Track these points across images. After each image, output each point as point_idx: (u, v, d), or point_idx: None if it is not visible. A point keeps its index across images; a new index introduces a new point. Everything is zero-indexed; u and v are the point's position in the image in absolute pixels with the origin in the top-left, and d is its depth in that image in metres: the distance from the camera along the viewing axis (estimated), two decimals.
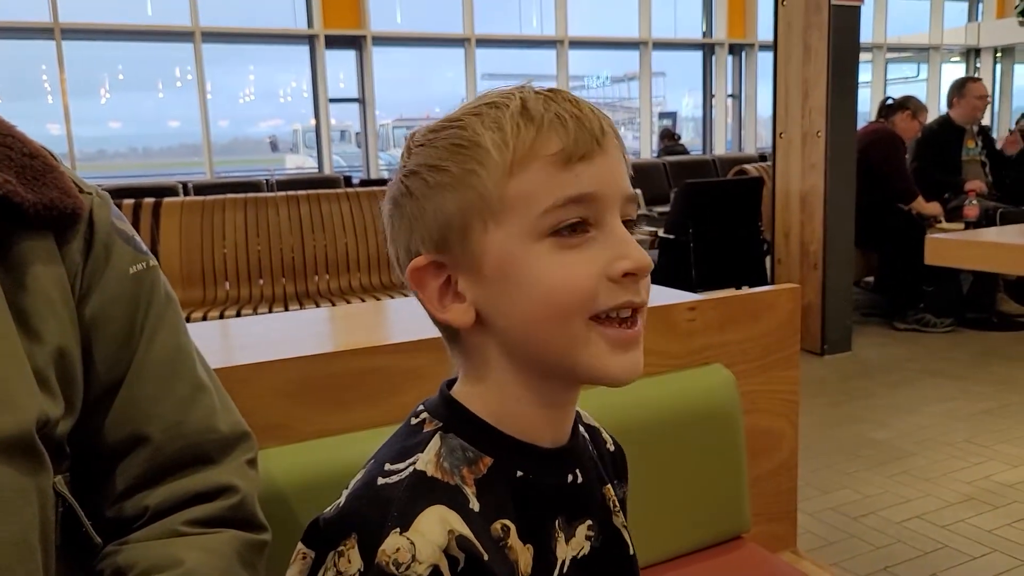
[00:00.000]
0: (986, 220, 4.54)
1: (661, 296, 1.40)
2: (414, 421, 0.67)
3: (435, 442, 0.64)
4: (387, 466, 0.63)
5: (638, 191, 7.25)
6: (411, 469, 0.62)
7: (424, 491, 0.60)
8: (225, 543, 0.75)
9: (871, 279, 5.19)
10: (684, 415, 1.26)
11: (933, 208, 4.70)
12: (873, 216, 4.53)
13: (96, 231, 0.75)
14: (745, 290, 1.41)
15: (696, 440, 1.26)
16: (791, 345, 1.43)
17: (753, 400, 1.39)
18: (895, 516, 2.49)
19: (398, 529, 0.57)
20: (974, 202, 4.59)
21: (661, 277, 3.41)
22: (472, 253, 0.63)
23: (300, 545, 0.64)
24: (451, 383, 0.69)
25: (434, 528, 0.58)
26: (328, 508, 0.64)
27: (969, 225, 4.44)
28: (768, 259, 4.67)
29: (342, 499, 0.64)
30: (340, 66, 9.99)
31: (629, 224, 0.64)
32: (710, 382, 1.30)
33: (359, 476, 0.65)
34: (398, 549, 0.56)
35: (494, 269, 0.62)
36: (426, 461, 0.62)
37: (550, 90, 0.64)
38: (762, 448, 1.42)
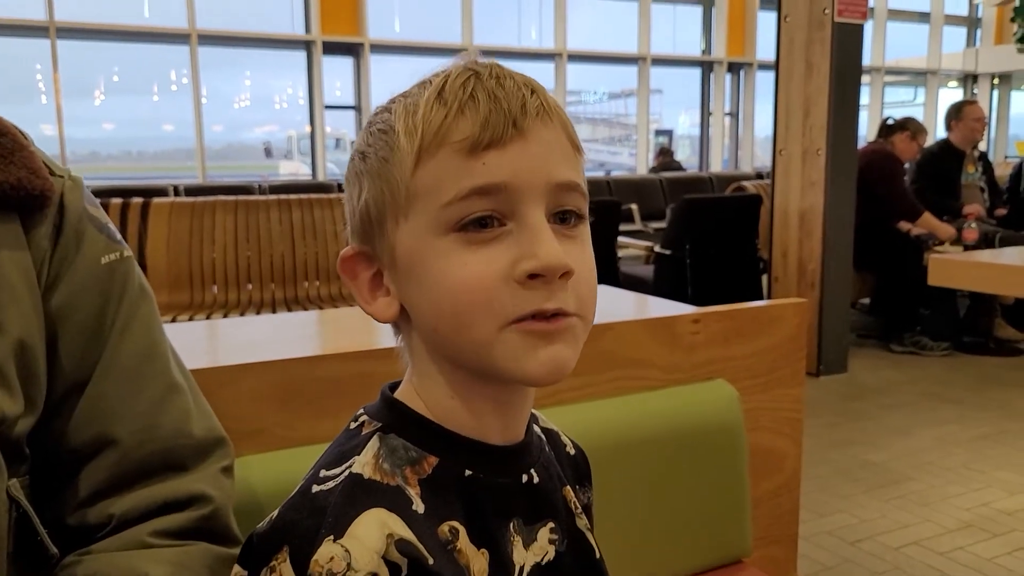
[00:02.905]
0: (985, 244, 4.52)
1: (664, 308, 1.35)
2: (352, 425, 0.63)
3: (373, 443, 0.59)
4: (322, 472, 0.58)
5: (632, 206, 7.26)
6: (347, 472, 0.57)
7: (361, 494, 0.55)
8: (195, 556, 0.69)
9: (867, 300, 5.16)
10: (686, 432, 1.20)
11: (946, 230, 4.65)
12: (870, 237, 4.50)
13: (66, 216, 0.70)
14: (750, 303, 1.36)
15: (698, 458, 1.21)
16: (796, 362, 1.38)
17: (755, 418, 1.34)
18: (893, 542, 2.44)
19: (331, 536, 0.53)
20: (973, 225, 4.57)
21: (656, 293, 3.36)
22: (388, 246, 0.59)
23: (235, 567, 0.59)
24: (394, 386, 0.65)
25: (371, 532, 0.53)
26: (262, 522, 0.59)
27: (968, 248, 4.42)
28: (764, 277, 4.63)
29: (275, 512, 0.59)
30: (337, 73, 9.97)
31: (569, 215, 0.58)
32: (713, 398, 1.25)
33: (296, 488, 0.60)
34: (332, 558, 0.52)
35: (405, 264, 0.58)
36: (363, 463, 0.57)
37: (484, 64, 0.58)
38: (763, 468, 1.37)
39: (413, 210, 0.57)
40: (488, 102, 0.55)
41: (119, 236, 0.75)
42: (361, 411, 0.63)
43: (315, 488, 0.57)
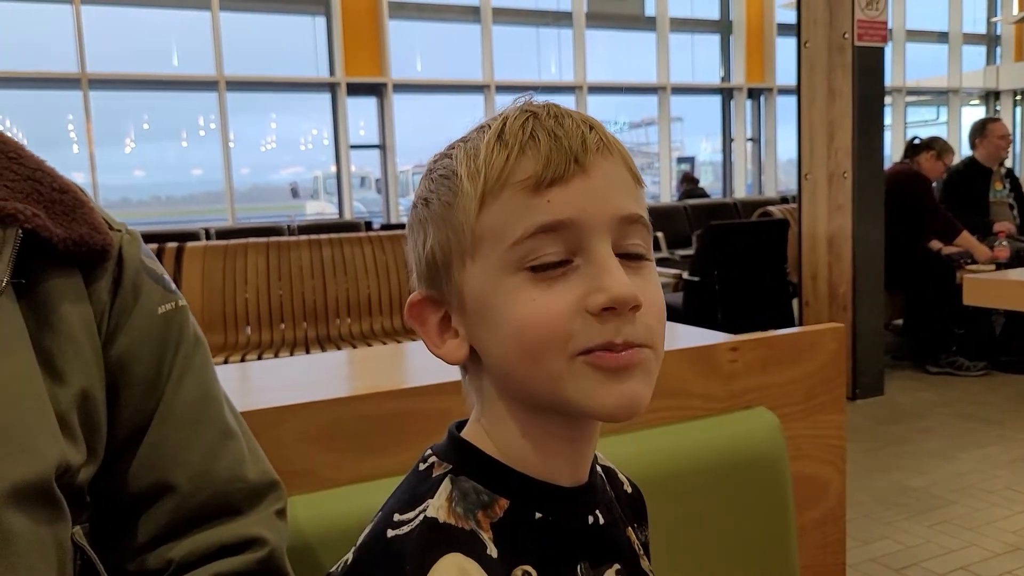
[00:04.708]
0: (1017, 261, 4.46)
1: (701, 337, 1.35)
2: (422, 466, 0.62)
3: (446, 486, 0.59)
4: (396, 516, 0.58)
5: (659, 234, 7.24)
6: (422, 517, 0.57)
7: (437, 539, 0.55)
8: None
9: (900, 322, 5.10)
10: (727, 461, 1.20)
11: (984, 251, 4.60)
12: (900, 258, 4.46)
13: (125, 269, 0.72)
14: (787, 330, 1.35)
15: (741, 487, 1.20)
16: (836, 387, 1.37)
17: (797, 446, 1.33)
18: (939, 568, 2.39)
19: None
20: (1004, 243, 4.52)
21: (686, 320, 3.34)
22: (456, 289, 0.59)
23: None
24: (460, 425, 0.65)
25: None
26: (336, 566, 0.60)
27: (1000, 266, 4.37)
28: (795, 301, 4.61)
29: (350, 556, 0.59)
30: (361, 113, 10.12)
31: (635, 247, 0.58)
32: (754, 426, 1.25)
33: (367, 529, 0.60)
34: None
35: (474, 305, 0.59)
36: (437, 507, 0.57)
37: (541, 105, 0.59)
38: (808, 497, 1.35)
39: (480, 252, 0.57)
40: (549, 140, 0.56)
41: (174, 286, 0.77)
42: (429, 451, 0.63)
43: (390, 532, 0.57)
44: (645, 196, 0.62)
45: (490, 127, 0.59)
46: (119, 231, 0.74)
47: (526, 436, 0.60)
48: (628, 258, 0.58)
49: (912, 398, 4.22)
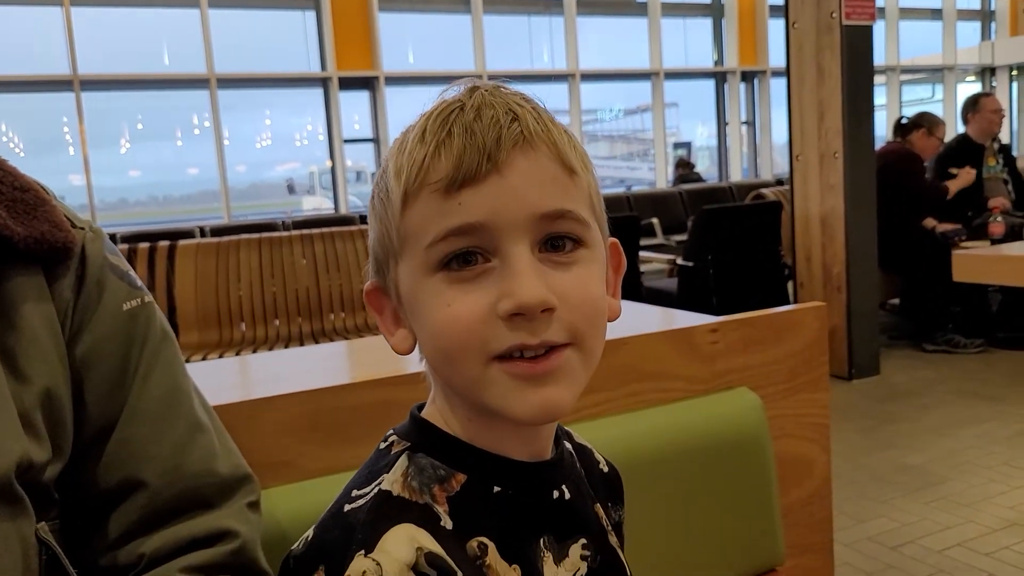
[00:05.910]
0: (1012, 236, 4.45)
1: (681, 318, 1.36)
2: (383, 446, 0.64)
3: (402, 462, 0.60)
4: (354, 492, 0.60)
5: (653, 220, 7.23)
6: (376, 490, 0.58)
7: (390, 510, 0.57)
8: None
9: (896, 301, 5.10)
10: (710, 442, 1.20)
11: (964, 175, 4.70)
12: (894, 237, 4.45)
13: (88, 266, 0.72)
14: (768, 310, 1.35)
15: (723, 468, 1.20)
16: (819, 366, 1.37)
17: (781, 425, 1.33)
18: (935, 544, 2.40)
19: (362, 551, 0.54)
20: (999, 219, 4.51)
21: (681, 305, 3.34)
22: (394, 284, 0.60)
23: None
24: (422, 406, 0.66)
25: (401, 546, 0.54)
26: (297, 543, 0.61)
27: (995, 242, 4.36)
28: (790, 283, 4.60)
29: (310, 532, 0.61)
30: (354, 107, 10.09)
31: (562, 241, 0.56)
32: (736, 407, 1.25)
33: (328, 507, 0.62)
34: (364, 572, 0.53)
35: (406, 303, 0.60)
36: (391, 481, 0.59)
37: (474, 92, 0.57)
38: (793, 476, 1.36)
39: (405, 251, 0.58)
40: (463, 137, 0.55)
41: (140, 283, 0.78)
42: (391, 432, 0.65)
43: (347, 507, 0.59)
44: (587, 184, 0.60)
45: (423, 116, 0.58)
46: (82, 229, 0.74)
47: (473, 420, 0.61)
48: (555, 249, 0.57)
49: (909, 376, 4.22)
